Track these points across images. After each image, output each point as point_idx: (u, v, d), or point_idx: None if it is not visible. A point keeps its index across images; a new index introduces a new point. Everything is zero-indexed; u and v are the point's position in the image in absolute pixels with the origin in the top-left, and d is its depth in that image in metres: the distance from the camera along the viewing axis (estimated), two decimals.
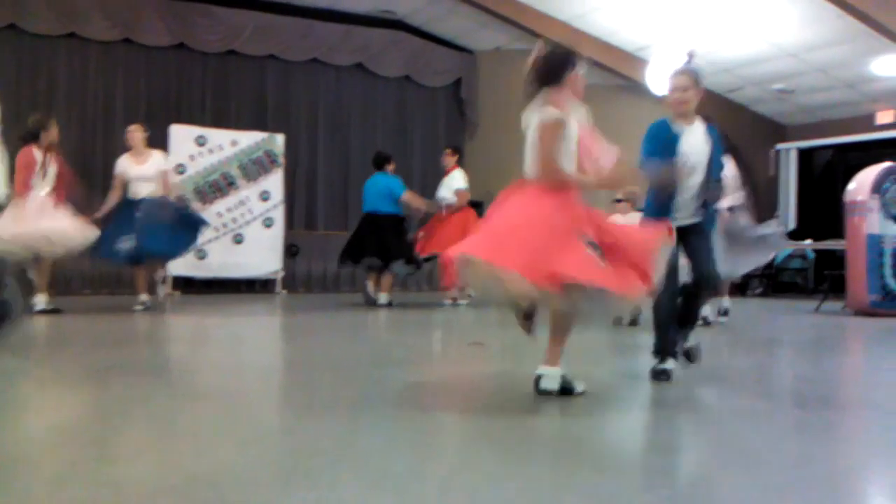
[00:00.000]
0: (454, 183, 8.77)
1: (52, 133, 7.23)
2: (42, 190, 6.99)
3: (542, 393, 3.37)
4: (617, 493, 2.13)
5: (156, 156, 7.52)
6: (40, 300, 7.03)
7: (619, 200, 7.10)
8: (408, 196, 8.67)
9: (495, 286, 3.20)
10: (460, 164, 9.01)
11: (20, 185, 7.00)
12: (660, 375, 3.91)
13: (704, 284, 3.97)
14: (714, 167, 3.98)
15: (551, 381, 3.38)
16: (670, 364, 3.96)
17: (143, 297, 7.46)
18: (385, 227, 8.52)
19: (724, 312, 7.34)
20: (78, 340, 5.61)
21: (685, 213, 3.92)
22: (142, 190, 7.40)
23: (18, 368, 4.17)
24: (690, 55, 4.06)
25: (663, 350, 3.98)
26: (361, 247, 8.58)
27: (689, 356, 4.07)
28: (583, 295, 3.22)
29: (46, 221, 6.91)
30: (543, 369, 3.41)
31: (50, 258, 7.05)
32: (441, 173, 9.07)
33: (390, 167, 8.82)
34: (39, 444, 2.60)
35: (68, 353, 4.93)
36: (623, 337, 6.23)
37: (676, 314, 4.00)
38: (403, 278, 10.30)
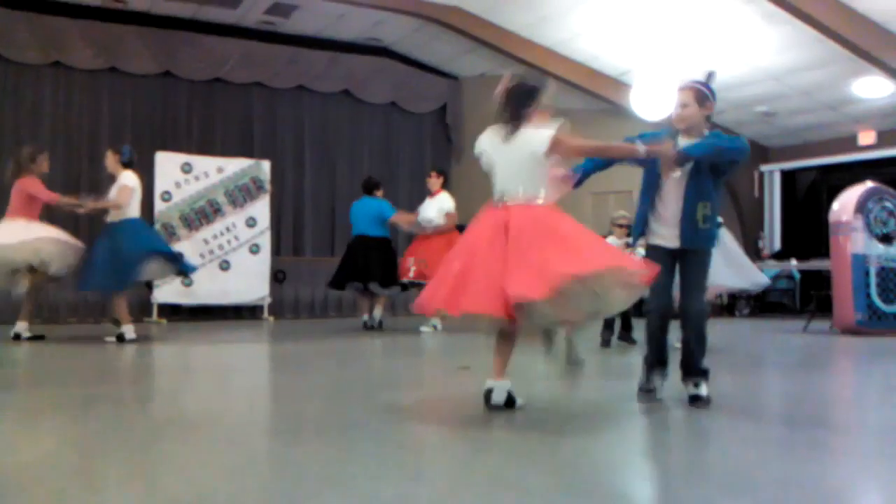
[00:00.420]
0: (445, 205, 8.80)
1: (41, 165, 7.24)
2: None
3: (493, 406, 3.56)
4: None
5: (122, 175, 7.09)
6: (22, 327, 7.02)
7: (620, 226, 7.11)
8: (396, 217, 8.82)
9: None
10: (446, 187, 9.04)
11: (50, 197, 7.13)
12: (646, 392, 3.91)
13: (686, 319, 3.81)
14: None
15: (501, 394, 3.59)
16: (656, 383, 3.93)
17: (124, 327, 7.07)
18: (372, 249, 8.66)
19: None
20: (63, 369, 5.55)
21: (671, 232, 3.78)
22: (112, 213, 7.13)
23: (2, 399, 4.12)
24: (710, 75, 3.96)
25: (649, 365, 3.91)
26: (348, 272, 8.73)
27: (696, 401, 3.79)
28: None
29: (37, 235, 6.95)
30: (493, 382, 3.60)
31: (37, 282, 7.05)
32: (427, 196, 9.09)
33: (379, 193, 8.94)
34: (25, 474, 2.56)
35: (53, 382, 4.88)
36: (611, 357, 6.24)
37: (666, 332, 3.91)
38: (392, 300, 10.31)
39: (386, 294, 8.97)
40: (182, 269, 7.64)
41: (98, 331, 8.13)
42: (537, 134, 3.58)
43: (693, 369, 3.82)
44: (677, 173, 3.70)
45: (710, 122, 3.94)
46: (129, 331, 7.07)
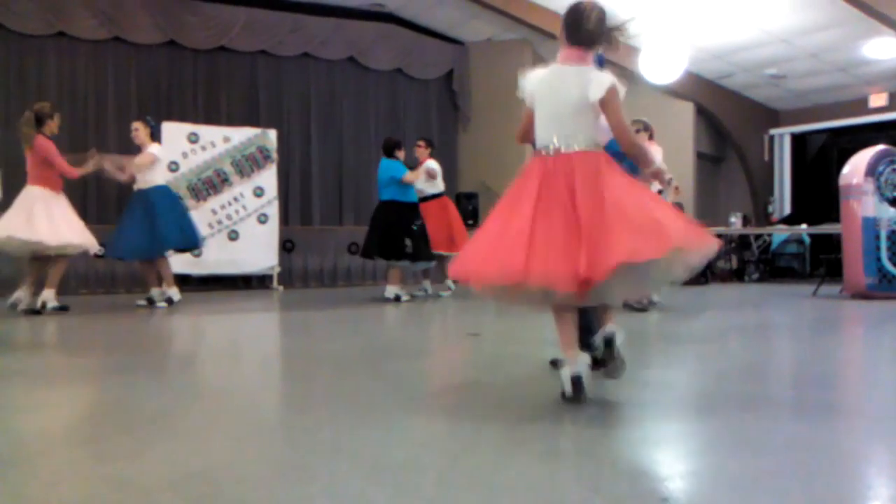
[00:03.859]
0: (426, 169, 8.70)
1: (54, 124, 7.16)
2: None
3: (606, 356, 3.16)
4: (611, 480, 2.13)
5: (150, 147, 7.60)
6: (49, 296, 7.02)
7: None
8: (409, 176, 8.31)
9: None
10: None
11: (66, 169, 7.04)
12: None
13: None
14: None
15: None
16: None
17: (154, 291, 7.62)
18: (395, 218, 8.26)
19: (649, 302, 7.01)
20: (74, 340, 5.59)
21: None
22: (140, 182, 7.60)
23: (15, 368, 4.16)
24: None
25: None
26: (374, 242, 8.37)
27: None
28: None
29: (47, 225, 6.85)
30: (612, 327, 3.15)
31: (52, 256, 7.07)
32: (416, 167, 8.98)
33: (400, 153, 8.48)
34: (37, 443, 2.59)
35: (65, 352, 4.92)
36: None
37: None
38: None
39: (407, 266, 8.52)
40: (192, 245, 8.08)
41: (108, 302, 8.18)
42: (597, 76, 3.19)
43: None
44: None
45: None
46: (174, 293, 7.67)
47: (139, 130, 7.59)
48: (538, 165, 3.18)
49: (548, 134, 3.20)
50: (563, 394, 3.09)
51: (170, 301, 7.61)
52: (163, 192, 7.69)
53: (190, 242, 7.92)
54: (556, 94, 3.23)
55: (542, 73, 3.32)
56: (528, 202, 3.10)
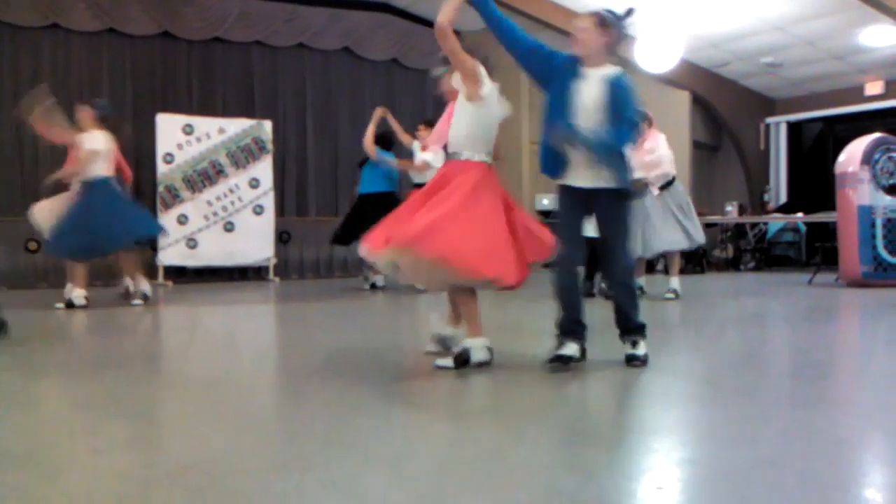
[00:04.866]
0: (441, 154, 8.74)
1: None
2: None
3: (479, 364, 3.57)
4: (612, 469, 2.13)
5: (91, 137, 6.88)
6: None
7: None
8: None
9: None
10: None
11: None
12: (557, 360, 3.50)
13: (611, 274, 3.69)
14: (613, 120, 3.40)
15: (482, 353, 3.58)
16: (569, 349, 3.52)
17: (141, 286, 7.14)
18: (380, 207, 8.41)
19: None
20: (69, 332, 5.59)
21: (584, 172, 3.47)
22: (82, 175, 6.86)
23: (10, 362, 4.15)
24: (629, 11, 3.73)
25: (563, 331, 3.55)
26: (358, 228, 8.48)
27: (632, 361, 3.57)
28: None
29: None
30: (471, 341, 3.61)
31: None
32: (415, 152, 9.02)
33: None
34: (34, 436, 2.59)
35: (60, 345, 4.91)
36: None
37: (581, 289, 3.68)
38: None
39: None
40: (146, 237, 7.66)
41: (104, 294, 8.16)
42: (506, 102, 3.85)
43: (628, 327, 3.58)
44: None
45: (616, 55, 3.64)
46: (77, 297, 6.84)
47: (82, 114, 6.97)
48: (482, 171, 3.58)
49: (479, 146, 3.63)
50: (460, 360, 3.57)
51: (144, 297, 7.11)
52: (106, 184, 6.88)
53: (151, 229, 7.52)
54: (493, 114, 3.71)
55: (490, 86, 3.74)
56: (492, 202, 3.51)
